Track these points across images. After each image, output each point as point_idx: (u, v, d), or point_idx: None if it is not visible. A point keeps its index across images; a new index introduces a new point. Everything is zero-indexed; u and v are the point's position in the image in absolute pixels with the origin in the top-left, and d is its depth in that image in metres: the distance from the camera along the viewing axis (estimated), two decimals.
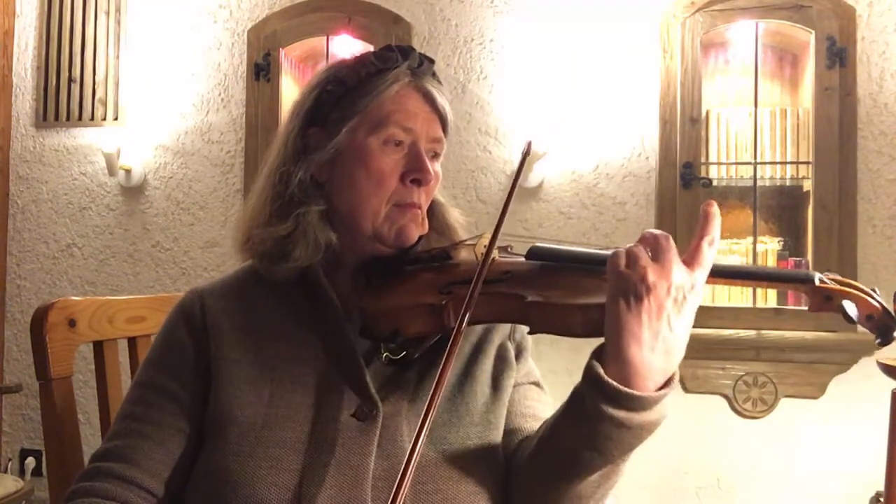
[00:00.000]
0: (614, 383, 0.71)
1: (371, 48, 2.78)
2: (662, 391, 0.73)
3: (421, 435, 0.69)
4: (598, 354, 0.74)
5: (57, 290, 3.04)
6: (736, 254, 2.60)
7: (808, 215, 2.52)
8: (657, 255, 0.72)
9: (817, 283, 0.75)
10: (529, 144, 1.03)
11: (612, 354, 0.72)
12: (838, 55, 2.46)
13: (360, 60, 0.94)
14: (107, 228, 3.02)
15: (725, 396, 2.54)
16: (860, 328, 0.75)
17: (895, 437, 1.99)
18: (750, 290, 2.55)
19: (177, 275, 2.96)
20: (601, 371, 0.72)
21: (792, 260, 2.55)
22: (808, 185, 2.55)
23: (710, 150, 2.61)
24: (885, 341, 0.72)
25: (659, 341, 0.71)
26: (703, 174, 2.56)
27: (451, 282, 0.86)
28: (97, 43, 3.02)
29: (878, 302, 0.73)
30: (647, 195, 2.62)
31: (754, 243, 2.58)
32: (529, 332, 0.81)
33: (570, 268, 0.84)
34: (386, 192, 0.91)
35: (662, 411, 0.74)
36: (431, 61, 0.96)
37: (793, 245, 2.63)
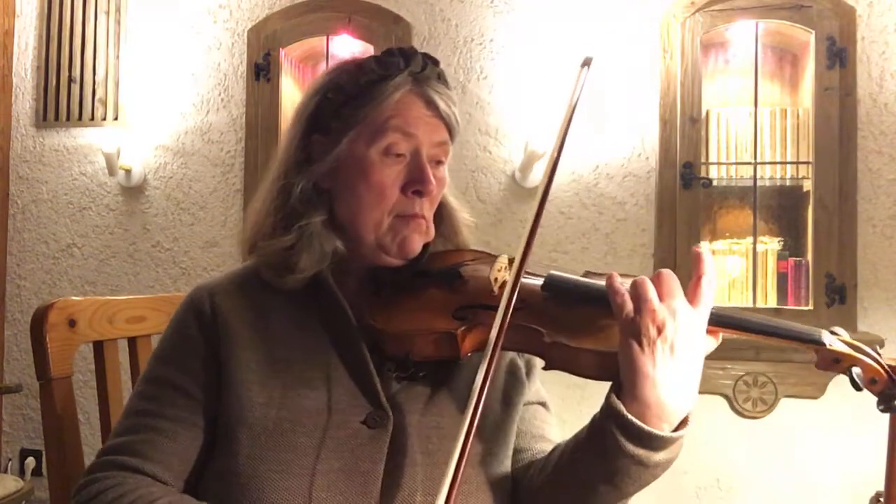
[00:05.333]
0: (637, 421, 0.72)
1: (371, 48, 2.78)
2: (680, 431, 0.75)
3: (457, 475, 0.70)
4: (616, 391, 0.75)
5: (57, 290, 3.04)
6: (736, 254, 2.60)
7: (808, 215, 2.52)
8: (663, 295, 0.74)
9: (827, 345, 0.77)
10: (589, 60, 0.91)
11: (629, 394, 0.73)
12: (838, 55, 2.46)
13: (361, 67, 0.91)
14: (107, 228, 3.01)
15: (725, 396, 2.54)
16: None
17: (895, 437, 1.99)
18: (750, 290, 2.55)
19: (177, 275, 2.96)
20: (623, 408, 0.73)
21: (792, 260, 2.54)
22: (808, 185, 2.55)
23: (710, 150, 2.61)
24: (887, 408, 0.74)
25: (673, 380, 0.73)
26: (703, 174, 2.56)
27: (462, 305, 0.86)
28: (97, 43, 3.02)
29: (883, 368, 0.75)
30: (647, 195, 2.62)
31: (754, 243, 2.58)
32: (545, 368, 0.82)
33: (588, 304, 0.83)
34: (387, 204, 0.89)
35: (677, 451, 0.76)
36: (436, 63, 0.94)
37: (793, 245, 2.62)
